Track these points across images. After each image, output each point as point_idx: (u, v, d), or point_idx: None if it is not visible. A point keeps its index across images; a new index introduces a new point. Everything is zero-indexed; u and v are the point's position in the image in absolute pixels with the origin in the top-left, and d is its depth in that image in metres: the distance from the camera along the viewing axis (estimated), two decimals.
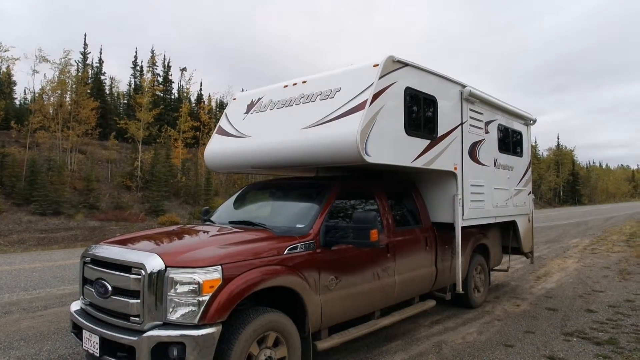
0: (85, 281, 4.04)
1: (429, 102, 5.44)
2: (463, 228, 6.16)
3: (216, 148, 5.75)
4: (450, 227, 5.94)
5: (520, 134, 7.89)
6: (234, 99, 6.16)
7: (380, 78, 4.61)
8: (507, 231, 7.85)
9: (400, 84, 4.90)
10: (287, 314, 3.93)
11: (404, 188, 5.88)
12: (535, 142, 68.87)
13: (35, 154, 26.08)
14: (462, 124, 6.05)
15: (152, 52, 38.12)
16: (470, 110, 6.27)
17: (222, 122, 5.95)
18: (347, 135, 4.38)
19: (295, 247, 4.05)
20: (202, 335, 3.28)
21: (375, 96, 4.53)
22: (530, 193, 8.17)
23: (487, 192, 6.60)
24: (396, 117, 4.83)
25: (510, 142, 7.54)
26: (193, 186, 31.46)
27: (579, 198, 73.25)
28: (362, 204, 5.10)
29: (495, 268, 8.08)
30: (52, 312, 6.63)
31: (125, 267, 3.57)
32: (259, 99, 5.69)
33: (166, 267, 3.40)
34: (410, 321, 6.07)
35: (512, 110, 7.45)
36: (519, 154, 7.86)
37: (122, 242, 4.02)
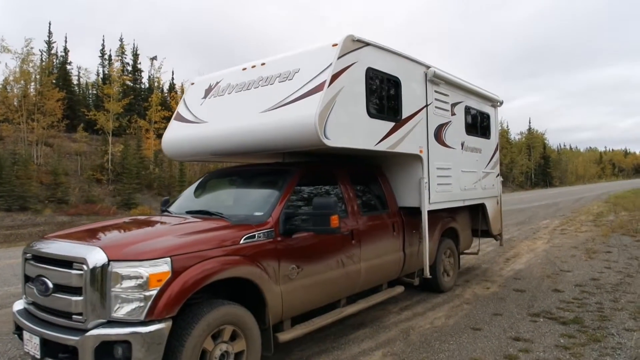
0: (27, 279, 3.76)
1: (392, 83, 5.29)
2: (430, 212, 6.07)
3: (173, 135, 5.49)
4: (418, 211, 5.84)
5: (487, 115, 7.84)
6: (192, 84, 5.88)
7: (339, 58, 4.42)
8: (476, 214, 7.82)
9: (361, 64, 4.72)
10: (246, 305, 3.76)
11: (369, 173, 5.74)
12: (507, 126, 69.90)
13: None
14: (427, 105, 5.93)
15: (121, 40, 36.87)
16: (436, 92, 6.14)
17: (180, 108, 5.67)
18: (305, 118, 4.19)
19: (253, 236, 3.86)
20: (149, 332, 3.07)
21: (335, 77, 4.34)
22: (498, 175, 8.16)
23: (454, 175, 6.52)
24: (357, 99, 4.66)
25: (477, 124, 7.47)
26: (167, 177, 30.84)
27: (550, 180, 75.01)
28: (324, 189, 4.93)
29: (466, 251, 8.06)
30: (7, 312, 6.29)
31: (67, 263, 3.32)
32: (217, 83, 5.43)
33: (109, 261, 3.17)
34: (379, 308, 5.98)
35: (479, 92, 7.38)
36: (487, 136, 7.81)
37: (67, 236, 3.76)
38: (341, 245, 4.76)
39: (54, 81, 30.32)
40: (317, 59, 4.52)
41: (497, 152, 8.16)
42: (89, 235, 3.74)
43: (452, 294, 6.76)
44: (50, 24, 36.44)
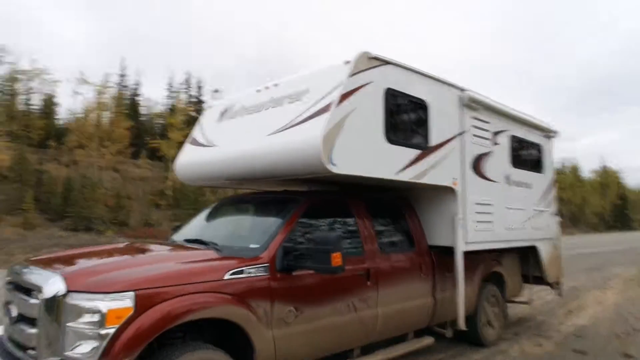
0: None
1: (418, 106, 4.74)
2: (469, 253, 5.34)
3: (186, 159, 5.25)
4: (452, 251, 5.12)
5: (539, 147, 6.98)
6: (210, 107, 5.67)
7: (351, 76, 3.98)
8: (526, 257, 6.88)
9: (379, 84, 4.24)
10: (235, 350, 3.30)
11: (393, 205, 5.15)
12: (577, 164, 65.33)
13: (72, 172, 26.86)
14: (462, 133, 5.28)
15: (188, 74, 38.95)
16: (473, 118, 5.49)
17: (195, 132, 5.45)
18: (308, 141, 3.76)
19: (240, 271, 3.40)
20: None
21: (345, 96, 3.89)
22: (555, 214, 7.18)
23: (497, 212, 5.74)
24: (373, 122, 4.16)
25: (526, 156, 6.65)
26: None
27: (628, 223, 68.55)
28: (336, 222, 4.41)
29: (515, 300, 7.08)
30: None
31: (29, 290, 3.05)
32: (232, 106, 5.17)
33: (68, 291, 2.85)
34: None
35: (527, 120, 6.58)
36: (539, 169, 6.93)
37: (44, 261, 3.52)
38: (353, 287, 4.18)
39: (126, 111, 32.49)
40: (327, 78, 4.10)
41: (553, 189, 7.22)
42: (64, 261, 3.47)
43: (495, 350, 5.85)
44: (123, 59, 39.31)
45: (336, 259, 3.48)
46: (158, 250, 3.84)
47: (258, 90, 4.96)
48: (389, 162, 4.29)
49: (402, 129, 4.52)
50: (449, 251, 5.15)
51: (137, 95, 38.77)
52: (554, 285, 7.16)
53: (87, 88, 29.61)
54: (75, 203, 23.27)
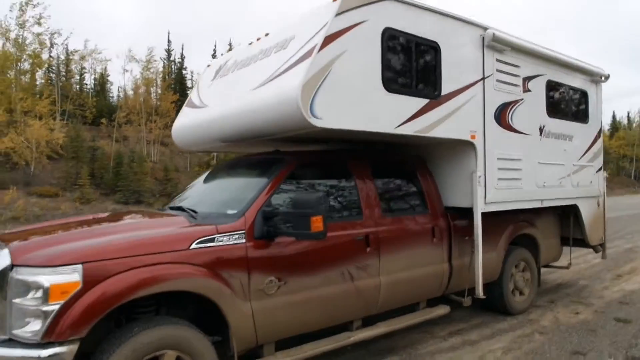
0: None
1: (427, 49, 4.06)
2: (493, 215, 4.72)
3: (181, 122, 4.89)
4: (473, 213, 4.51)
5: (584, 93, 6.03)
6: (208, 66, 5.24)
7: (338, 15, 3.38)
8: (566, 218, 6.09)
9: (375, 23, 3.62)
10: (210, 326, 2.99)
11: (403, 164, 4.56)
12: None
13: (122, 147, 27.77)
14: (484, 78, 4.54)
15: (230, 44, 38.70)
16: (499, 61, 4.71)
17: (192, 93, 5.06)
18: (286, 91, 3.26)
19: (211, 239, 3.03)
20: (42, 357, 2.42)
21: (330, 39, 3.32)
22: (600, 169, 6.28)
23: (527, 168, 5.00)
24: (368, 67, 3.57)
25: (567, 104, 5.75)
26: None
27: None
28: (329, 184, 3.91)
29: (552, 265, 6.35)
30: None
31: None
32: (226, 62, 4.71)
33: (13, 265, 2.59)
34: (421, 329, 4.76)
35: (568, 63, 5.65)
36: (583, 119, 6.01)
37: (8, 235, 3.30)
38: (349, 254, 3.72)
39: (172, 85, 32.96)
40: (314, 20, 3.54)
41: (600, 140, 6.28)
42: (26, 235, 3.21)
43: (523, 318, 5.23)
44: (169, 33, 39.60)
45: (316, 223, 3.03)
46: (130, 220, 3.55)
47: (250, 43, 4.46)
48: (387, 114, 3.70)
49: (405, 75, 3.89)
50: (469, 213, 4.54)
51: (182, 68, 39.19)
52: (597, 248, 6.33)
53: (135, 65, 30.21)
54: (125, 177, 24.08)
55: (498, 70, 4.69)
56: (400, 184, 4.43)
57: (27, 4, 23.86)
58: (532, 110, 5.13)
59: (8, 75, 24.67)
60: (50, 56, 30.54)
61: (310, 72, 3.19)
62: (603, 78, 6.30)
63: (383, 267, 3.93)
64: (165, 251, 2.84)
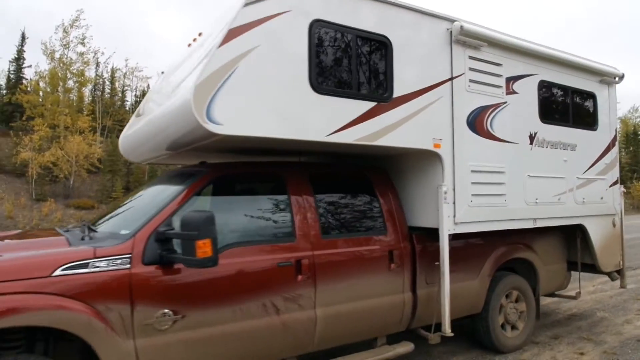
0: None
1: (374, 45, 3.48)
2: (472, 236, 4.05)
3: (124, 133, 4.53)
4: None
5: (591, 96, 5.18)
6: (162, 73, 4.88)
7: (247, 5, 2.89)
8: (574, 239, 5.22)
9: (300, 15, 3.09)
10: None
11: (355, 178, 3.95)
12: None
13: None
14: (452, 78, 3.89)
15: None
16: (473, 59, 4.04)
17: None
18: (182, 94, 2.79)
19: (83, 265, 2.57)
20: None
21: (235, 33, 2.83)
22: (616, 183, 5.37)
23: (512, 181, 4.26)
24: (289, 66, 3.04)
25: (568, 108, 4.94)
26: None
27: None
28: (255, 200, 3.38)
29: (559, 293, 5.46)
30: None
31: None
32: (169, 67, 4.32)
33: None
34: None
35: (570, 61, 4.85)
36: (590, 125, 5.16)
37: None
38: (274, 283, 3.16)
39: None
40: (226, 15, 3.07)
41: (614, 150, 5.39)
42: None
43: (514, 358, 4.43)
44: None
45: (203, 248, 2.51)
46: (12, 241, 3.16)
47: (189, 44, 4.05)
48: (317, 120, 3.14)
49: (342, 75, 3.32)
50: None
51: None
52: (613, 275, 5.38)
53: None
54: None
55: (472, 69, 4.02)
56: (351, 201, 3.82)
57: (71, 25, 25.03)
58: (519, 115, 4.39)
59: (56, 94, 25.92)
60: (96, 74, 31.97)
61: (207, 71, 2.71)
62: (617, 78, 5.42)
63: (320, 297, 3.34)
64: (20, 279, 2.41)
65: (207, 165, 3.43)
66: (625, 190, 5.49)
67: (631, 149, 43.59)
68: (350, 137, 3.28)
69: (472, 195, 3.94)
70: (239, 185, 3.39)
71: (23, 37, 27.74)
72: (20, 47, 27.36)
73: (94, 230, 3.13)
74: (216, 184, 3.20)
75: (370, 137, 3.37)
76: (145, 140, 3.79)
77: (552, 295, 5.43)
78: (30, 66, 27.56)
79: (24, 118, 24.25)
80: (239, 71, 2.81)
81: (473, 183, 3.95)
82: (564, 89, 4.88)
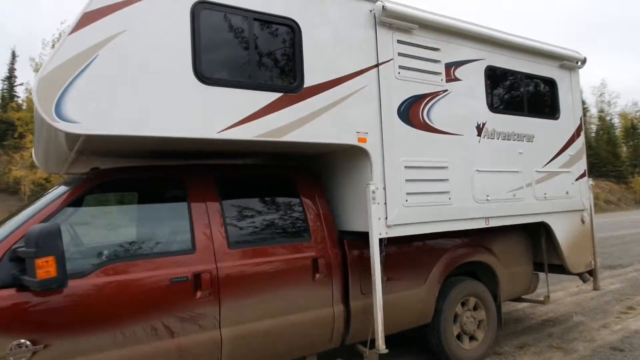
0: None
1: (278, 29, 3.09)
2: (416, 238, 3.64)
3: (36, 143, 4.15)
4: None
5: (550, 82, 4.75)
6: None
7: None
8: (539, 239, 4.77)
9: None
10: None
11: (274, 179, 3.53)
12: None
13: None
14: (378, 65, 3.48)
15: None
16: (402, 42, 3.63)
17: None
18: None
19: None
20: None
21: (92, 17, 2.44)
22: (583, 176, 4.91)
23: (457, 177, 3.83)
24: (166, 53, 2.64)
25: (523, 95, 4.51)
26: None
27: None
28: (147, 208, 2.98)
29: (526, 298, 4.99)
30: None
31: None
32: None
33: None
34: None
35: (522, 45, 4.42)
36: (550, 114, 4.72)
37: None
38: (167, 301, 2.75)
39: None
40: None
41: (579, 140, 4.93)
42: None
43: None
44: None
45: (45, 267, 2.11)
46: None
47: None
48: (204, 114, 2.74)
49: (238, 63, 2.93)
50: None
51: None
52: (584, 277, 4.90)
53: None
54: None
55: (402, 55, 3.61)
56: (268, 206, 3.40)
57: (57, 40, 24.93)
58: (463, 104, 3.96)
59: None
60: None
61: (55, 61, 2.32)
62: (579, 63, 4.99)
63: (226, 316, 2.92)
64: None
65: (91, 171, 3.03)
66: (593, 184, 5.03)
67: (631, 143, 42.74)
68: (249, 133, 2.87)
69: (407, 194, 3.51)
70: (128, 192, 3.00)
71: (14, 55, 27.75)
72: (11, 64, 27.32)
73: None
74: (97, 192, 2.80)
75: (275, 132, 2.97)
76: (45, 146, 3.42)
77: (518, 300, 4.96)
78: (22, 84, 27.30)
79: (15, 135, 24.07)
80: (98, 61, 2.42)
81: (408, 180, 3.53)
82: (517, 74, 4.45)
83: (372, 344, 3.45)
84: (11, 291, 2.35)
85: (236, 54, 2.92)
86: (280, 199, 3.45)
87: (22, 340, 2.35)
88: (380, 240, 3.36)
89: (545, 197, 4.48)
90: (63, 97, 2.32)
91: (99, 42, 2.43)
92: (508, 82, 4.40)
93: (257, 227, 3.26)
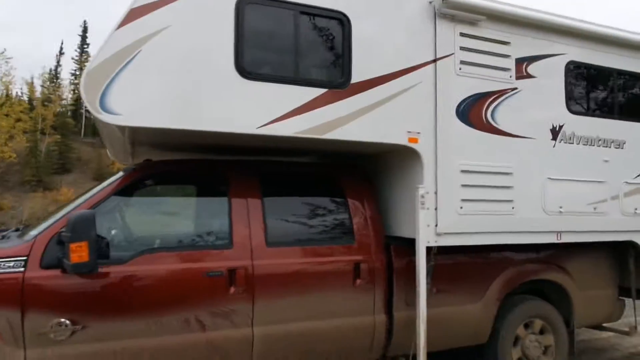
0: None
1: (327, 22, 2.96)
2: (473, 249, 3.33)
3: None
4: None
5: None
6: None
7: None
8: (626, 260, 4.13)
9: None
10: None
11: (320, 178, 3.41)
12: None
13: None
14: (436, 60, 3.21)
15: None
16: (465, 35, 3.30)
17: None
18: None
19: None
20: None
21: (138, 13, 2.51)
22: None
23: (524, 185, 3.42)
24: (208, 48, 2.64)
25: (612, 95, 3.92)
26: None
27: None
28: (188, 201, 3.01)
29: (607, 326, 4.35)
30: None
31: None
32: None
33: None
34: None
35: (614, 36, 3.83)
36: None
37: None
38: (200, 294, 2.76)
39: None
40: None
41: None
42: None
43: None
44: None
45: (78, 252, 2.20)
46: None
47: None
48: (245, 108, 2.70)
49: (281, 57, 2.85)
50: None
51: None
52: None
53: None
54: None
55: (464, 49, 3.29)
56: (312, 205, 3.29)
57: None
58: (536, 104, 3.53)
59: None
60: None
61: (101, 56, 2.42)
62: None
63: (260, 314, 2.86)
64: None
65: (150, 163, 3.13)
66: None
67: None
68: (289, 129, 2.78)
69: (462, 200, 3.20)
70: (171, 185, 3.06)
71: None
72: None
73: (21, 231, 2.98)
74: (142, 183, 2.90)
75: (317, 129, 2.85)
76: (109, 138, 3.62)
77: (600, 328, 4.35)
78: None
79: None
80: (142, 55, 2.48)
81: (464, 186, 3.21)
82: (606, 71, 3.88)
83: (410, 358, 3.20)
84: (57, 272, 2.50)
85: (280, 49, 2.85)
86: (324, 199, 3.33)
87: (63, 320, 2.48)
88: (429, 248, 3.10)
89: (635, 212, 3.86)
90: (107, 91, 2.41)
91: (142, 37, 2.49)
92: (594, 80, 3.86)
93: (298, 226, 3.18)
